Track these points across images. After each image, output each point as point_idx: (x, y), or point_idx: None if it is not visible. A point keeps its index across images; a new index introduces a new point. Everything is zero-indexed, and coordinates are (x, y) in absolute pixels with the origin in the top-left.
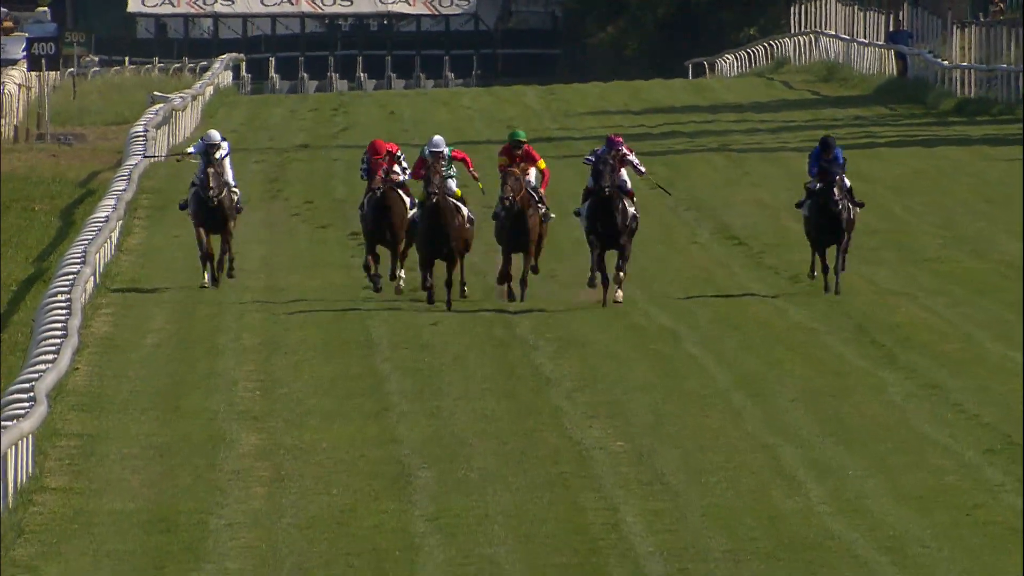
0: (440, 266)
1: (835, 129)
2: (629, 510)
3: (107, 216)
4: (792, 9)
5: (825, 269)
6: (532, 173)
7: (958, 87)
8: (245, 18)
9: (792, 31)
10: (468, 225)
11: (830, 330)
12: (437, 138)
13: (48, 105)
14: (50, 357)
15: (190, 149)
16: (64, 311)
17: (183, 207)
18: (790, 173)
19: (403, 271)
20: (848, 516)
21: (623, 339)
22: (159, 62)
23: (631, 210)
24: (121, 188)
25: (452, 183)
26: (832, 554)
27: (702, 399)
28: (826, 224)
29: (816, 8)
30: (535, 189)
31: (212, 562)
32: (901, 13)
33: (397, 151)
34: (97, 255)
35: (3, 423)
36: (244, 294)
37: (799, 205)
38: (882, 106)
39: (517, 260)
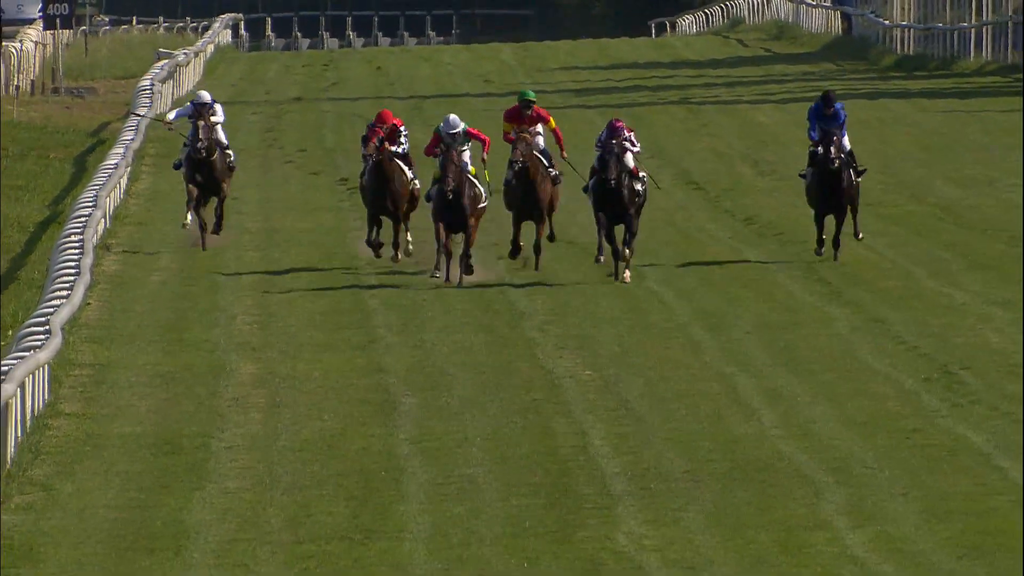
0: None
1: (785, 83)
2: (596, 434)
3: (117, 163)
4: None
5: (835, 244)
6: (540, 138)
7: (898, 45)
8: None
9: None
10: (482, 204)
11: (781, 268)
12: (453, 117)
13: (62, 61)
14: (64, 293)
15: (171, 115)
16: (77, 251)
17: (177, 166)
18: (744, 124)
19: (408, 234)
20: (798, 439)
21: (591, 276)
22: (164, 22)
23: (637, 187)
24: (130, 138)
25: (466, 155)
26: (783, 474)
27: (664, 332)
28: (826, 185)
29: None
30: (544, 153)
31: (213, 482)
32: None
33: (401, 126)
34: (107, 199)
35: (21, 354)
36: (242, 235)
37: (803, 175)
38: (829, 62)
39: (528, 229)
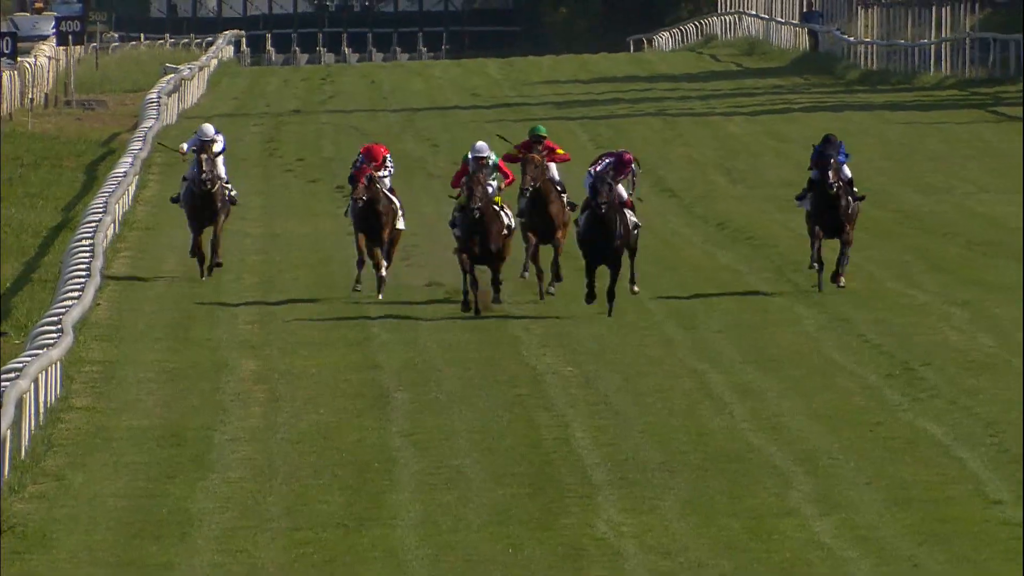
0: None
1: (755, 96)
2: (578, 427)
3: (126, 172)
4: None
5: (822, 265)
6: (554, 168)
7: (862, 60)
8: None
9: (719, 11)
10: (507, 232)
11: (752, 271)
12: (480, 144)
13: (74, 75)
14: (76, 294)
15: (183, 146)
16: (88, 254)
17: (175, 200)
18: (717, 134)
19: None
20: (767, 432)
21: (571, 278)
22: (170, 38)
23: (632, 219)
24: (138, 147)
25: (493, 182)
26: (753, 465)
27: (640, 330)
28: (824, 209)
29: None
30: (559, 182)
31: (216, 472)
32: None
33: (387, 154)
34: (117, 205)
35: (35, 351)
36: (244, 240)
37: (799, 198)
38: (797, 76)
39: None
